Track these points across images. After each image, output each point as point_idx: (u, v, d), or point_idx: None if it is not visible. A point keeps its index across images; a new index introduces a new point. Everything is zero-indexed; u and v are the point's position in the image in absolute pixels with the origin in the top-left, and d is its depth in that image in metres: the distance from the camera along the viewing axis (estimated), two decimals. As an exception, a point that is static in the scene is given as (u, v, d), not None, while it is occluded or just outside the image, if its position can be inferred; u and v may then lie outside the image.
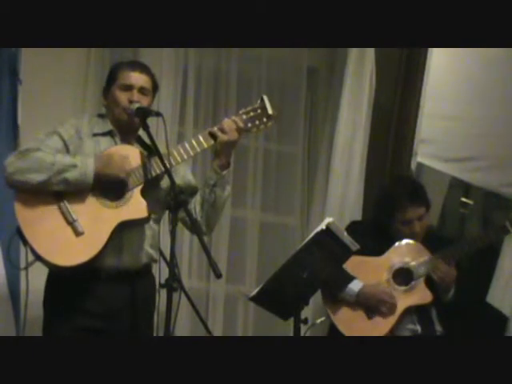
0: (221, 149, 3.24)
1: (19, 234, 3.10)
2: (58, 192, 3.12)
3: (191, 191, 3.37)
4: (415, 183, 4.13)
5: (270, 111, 3.28)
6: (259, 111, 3.29)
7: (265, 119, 3.29)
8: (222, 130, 3.23)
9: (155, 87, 3.35)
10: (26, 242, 3.09)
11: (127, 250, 3.18)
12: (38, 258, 3.09)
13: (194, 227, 3.23)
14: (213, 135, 3.24)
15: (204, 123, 4.38)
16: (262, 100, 3.30)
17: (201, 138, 3.25)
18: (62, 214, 3.10)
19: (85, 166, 3.10)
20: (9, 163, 3.12)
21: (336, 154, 4.52)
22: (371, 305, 3.80)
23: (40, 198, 3.11)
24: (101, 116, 3.33)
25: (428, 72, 4.56)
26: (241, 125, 3.24)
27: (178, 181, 3.30)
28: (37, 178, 3.07)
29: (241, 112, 3.30)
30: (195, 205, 3.30)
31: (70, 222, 3.10)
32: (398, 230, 3.92)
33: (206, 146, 3.25)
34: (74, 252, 3.07)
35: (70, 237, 3.09)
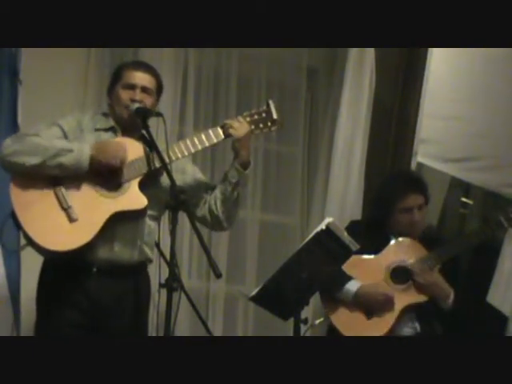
0: (238, 146, 3.27)
1: (13, 218, 3.10)
2: (55, 178, 3.12)
3: (206, 187, 3.39)
4: (416, 174, 4.22)
5: (275, 116, 3.33)
6: (264, 115, 3.34)
7: (269, 123, 3.34)
8: (232, 127, 3.26)
9: (160, 88, 3.35)
10: (19, 226, 3.10)
11: (120, 242, 3.17)
12: (30, 242, 3.09)
13: (193, 227, 3.21)
14: (225, 131, 3.27)
15: (204, 123, 4.39)
16: (268, 105, 3.35)
17: (211, 133, 3.27)
18: (57, 199, 3.11)
19: (80, 151, 3.10)
20: (5, 145, 3.13)
21: (336, 154, 4.53)
22: (369, 305, 3.80)
23: (36, 183, 3.11)
24: (104, 114, 3.34)
25: (428, 72, 4.56)
26: (248, 119, 3.29)
27: (189, 179, 3.35)
28: (31, 160, 3.07)
29: (245, 114, 3.33)
30: (215, 201, 3.32)
31: (65, 208, 3.10)
32: (397, 220, 3.89)
33: (215, 140, 3.27)
34: (66, 238, 3.07)
35: (64, 223, 3.09)
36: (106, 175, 3.15)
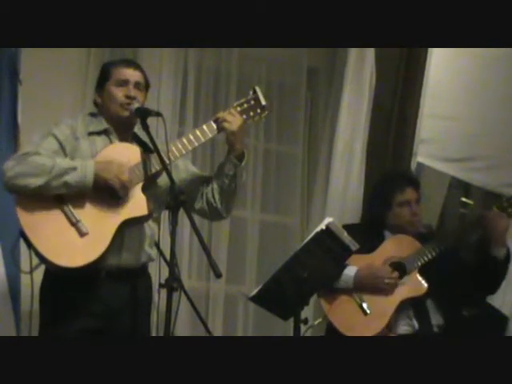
0: (233, 139, 3.27)
1: (23, 237, 3.07)
2: (59, 194, 3.10)
3: (200, 180, 3.39)
4: (410, 171, 4.41)
5: (263, 102, 3.32)
6: (252, 102, 3.33)
7: (259, 110, 3.33)
8: (226, 120, 3.26)
9: (147, 85, 3.35)
10: (30, 245, 3.07)
11: (128, 249, 3.17)
12: (43, 260, 3.06)
13: (193, 227, 3.21)
14: (219, 125, 3.26)
15: (204, 123, 4.37)
16: (255, 91, 3.34)
17: (205, 128, 3.27)
18: (65, 215, 3.08)
19: (84, 168, 3.08)
20: (7, 168, 3.09)
21: (336, 153, 4.53)
22: (370, 285, 3.80)
23: (42, 201, 3.08)
24: (93, 115, 3.30)
25: (428, 72, 4.56)
26: (238, 109, 3.29)
27: (183, 174, 3.34)
28: (36, 182, 3.04)
29: (235, 104, 3.33)
30: (213, 193, 3.32)
31: (74, 223, 3.08)
32: (397, 214, 3.94)
33: (210, 135, 3.27)
34: (79, 253, 3.05)
35: (75, 238, 3.07)
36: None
